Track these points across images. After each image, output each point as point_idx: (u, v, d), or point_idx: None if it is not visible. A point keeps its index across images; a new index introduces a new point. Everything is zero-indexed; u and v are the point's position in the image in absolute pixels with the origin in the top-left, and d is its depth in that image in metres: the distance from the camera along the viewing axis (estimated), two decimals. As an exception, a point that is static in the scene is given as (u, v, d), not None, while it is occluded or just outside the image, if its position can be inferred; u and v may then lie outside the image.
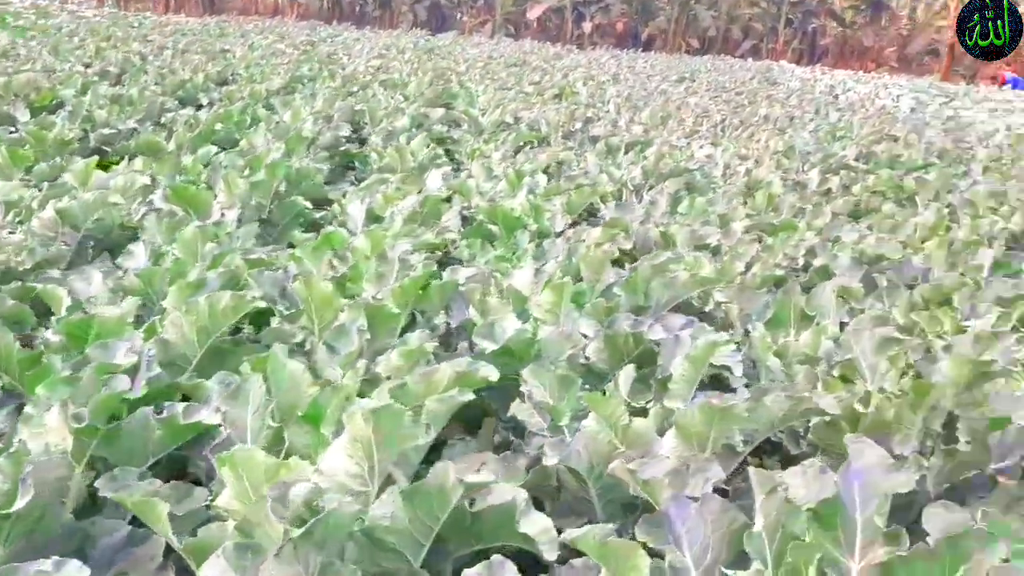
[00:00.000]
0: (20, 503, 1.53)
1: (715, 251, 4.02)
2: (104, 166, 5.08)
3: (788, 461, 2.55)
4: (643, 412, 2.24)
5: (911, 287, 3.89)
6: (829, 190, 5.98)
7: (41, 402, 1.92)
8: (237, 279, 2.76)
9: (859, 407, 2.29)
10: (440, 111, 7.94)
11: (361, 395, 2.15)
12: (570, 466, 1.95)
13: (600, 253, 2.97)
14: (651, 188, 5.48)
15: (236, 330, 2.88)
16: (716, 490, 2.10)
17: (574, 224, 4.70)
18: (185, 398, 2.31)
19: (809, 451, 2.48)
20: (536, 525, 1.67)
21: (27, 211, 3.64)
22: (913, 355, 3.13)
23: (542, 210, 4.34)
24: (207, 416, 1.90)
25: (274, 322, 2.67)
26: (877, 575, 1.54)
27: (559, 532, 2.11)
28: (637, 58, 24.58)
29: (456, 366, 2.02)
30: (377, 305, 2.51)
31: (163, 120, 6.60)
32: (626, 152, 6.76)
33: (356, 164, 6.06)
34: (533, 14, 37.60)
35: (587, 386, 2.31)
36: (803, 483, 1.81)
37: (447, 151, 6.86)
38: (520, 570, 1.89)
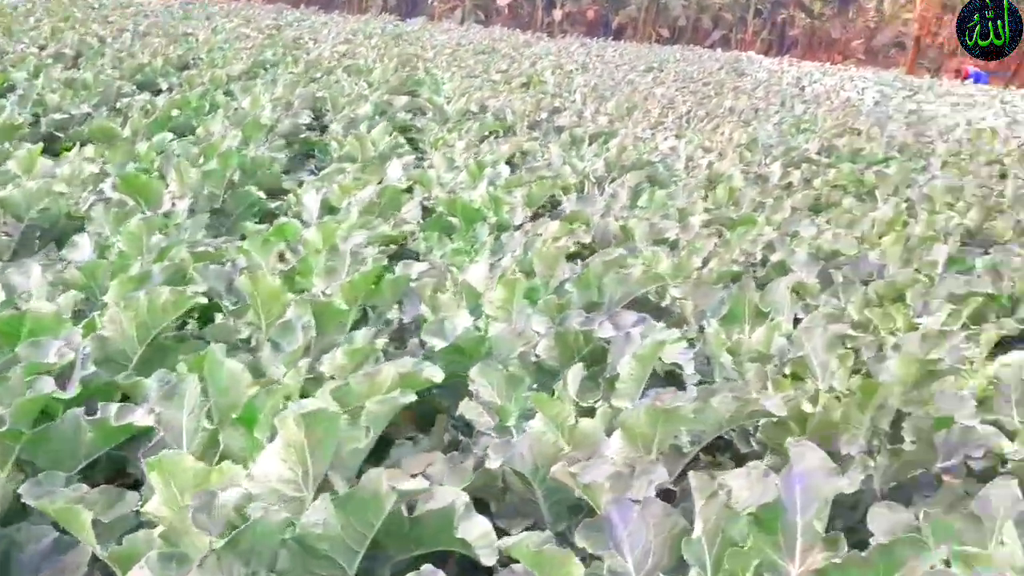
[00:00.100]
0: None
1: (673, 245, 4.01)
2: (58, 152, 4.96)
3: (739, 459, 2.56)
4: (592, 412, 2.22)
5: (866, 283, 3.92)
6: (790, 184, 6.01)
7: (-33, 404, 1.85)
8: (182, 273, 2.69)
9: (808, 407, 2.28)
10: (404, 99, 7.86)
11: (305, 395, 2.11)
12: (514, 468, 1.92)
13: (554, 248, 2.95)
14: (613, 180, 5.46)
15: (183, 325, 2.82)
16: (663, 491, 2.10)
17: (536, 216, 4.68)
18: (125, 397, 2.26)
19: (760, 450, 2.48)
20: (475, 530, 1.64)
21: (-32, 200, 3.53)
22: (868, 352, 3.16)
23: (502, 202, 4.31)
24: (140, 418, 1.84)
25: (219, 318, 2.60)
26: (814, 581, 1.53)
27: (506, 534, 2.11)
28: (607, 47, 24.56)
29: (400, 367, 1.98)
30: (324, 301, 2.46)
31: (119, 105, 6.44)
32: (590, 143, 6.73)
33: (316, 153, 5.97)
34: (503, 0, 37.39)
35: (535, 385, 2.29)
36: (747, 485, 1.80)
37: (411, 140, 6.79)
38: (466, 572, 1.88)
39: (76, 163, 3.97)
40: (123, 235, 2.92)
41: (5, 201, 3.29)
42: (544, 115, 8.21)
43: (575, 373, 2.19)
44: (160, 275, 2.63)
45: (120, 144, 4.60)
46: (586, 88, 11.15)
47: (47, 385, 1.84)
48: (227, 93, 7.24)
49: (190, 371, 1.96)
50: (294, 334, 2.35)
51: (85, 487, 1.68)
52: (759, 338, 2.90)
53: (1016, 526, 1.88)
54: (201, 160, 4.34)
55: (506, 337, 2.46)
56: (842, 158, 7.34)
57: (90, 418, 1.85)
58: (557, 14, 37.92)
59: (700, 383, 2.77)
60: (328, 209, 3.99)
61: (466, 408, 2.25)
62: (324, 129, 6.74)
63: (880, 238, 4.68)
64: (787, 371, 2.72)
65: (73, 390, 2.02)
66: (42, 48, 9.02)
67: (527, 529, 2.10)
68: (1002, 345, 3.51)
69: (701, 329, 3.11)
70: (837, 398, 2.44)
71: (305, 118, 6.37)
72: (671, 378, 2.70)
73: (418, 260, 3.59)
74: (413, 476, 2.18)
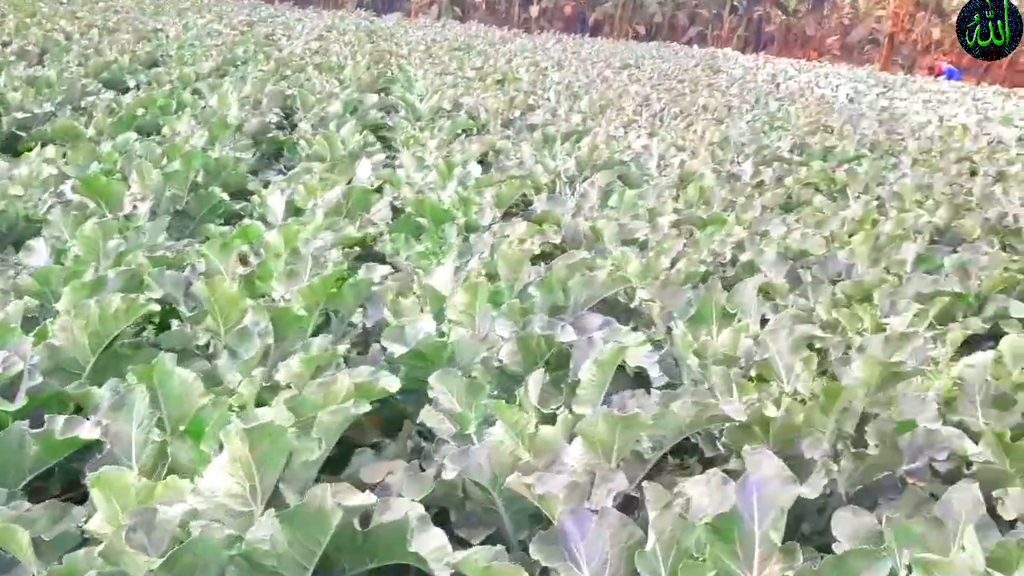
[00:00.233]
0: None
1: (643, 246, 3.99)
2: (20, 153, 4.86)
3: (706, 463, 2.55)
4: (555, 418, 2.19)
5: (835, 282, 3.92)
6: (762, 182, 6.01)
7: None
8: (138, 279, 2.63)
9: (771, 410, 2.27)
10: (374, 97, 7.78)
11: (262, 403, 2.07)
12: (472, 478, 1.89)
13: (518, 251, 2.91)
14: (585, 180, 5.44)
15: (140, 332, 2.77)
16: (625, 498, 2.08)
17: (509, 215, 4.64)
18: (80, 408, 2.20)
19: (726, 453, 2.47)
20: (430, 543, 1.61)
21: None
22: (836, 353, 3.15)
23: (471, 203, 4.27)
24: (87, 431, 1.79)
25: (176, 324, 2.55)
26: (770, 592, 1.51)
27: (467, 544, 2.08)
28: (583, 44, 24.55)
29: (356, 376, 1.95)
30: (282, 307, 2.42)
31: (84, 104, 6.32)
32: (563, 142, 6.71)
33: (285, 152, 5.89)
34: (480, -4, 37.31)
35: (497, 392, 2.26)
36: (707, 492, 1.78)
37: (382, 138, 6.72)
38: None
39: (35, 164, 3.88)
40: (78, 239, 2.85)
41: (-42, 204, 3.20)
42: (518, 113, 8.17)
43: (536, 379, 2.16)
44: (116, 281, 2.58)
45: (82, 144, 4.50)
46: (560, 85, 11.12)
47: (-16, 397, 1.78)
48: (195, 91, 7.14)
49: (140, 381, 1.91)
50: (251, 341, 2.30)
51: (27, 504, 1.63)
52: (725, 340, 2.89)
53: (977, 530, 1.88)
54: (164, 161, 4.26)
55: (468, 342, 2.43)
56: (813, 156, 7.36)
57: (34, 431, 1.80)
58: (534, 10, 37.88)
59: (668, 385, 2.76)
60: (294, 211, 3.94)
61: (427, 415, 2.21)
62: (294, 128, 6.66)
63: (850, 237, 4.69)
64: (753, 373, 2.71)
65: (20, 401, 1.97)
66: (5, 45, 8.85)
67: (489, 538, 2.08)
68: (970, 344, 3.53)
69: (669, 331, 3.09)
70: (802, 401, 2.43)
71: (274, 117, 6.29)
72: (640, 379, 2.68)
73: (385, 262, 3.55)
74: (373, 485, 2.16)
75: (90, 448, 1.97)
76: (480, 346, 2.45)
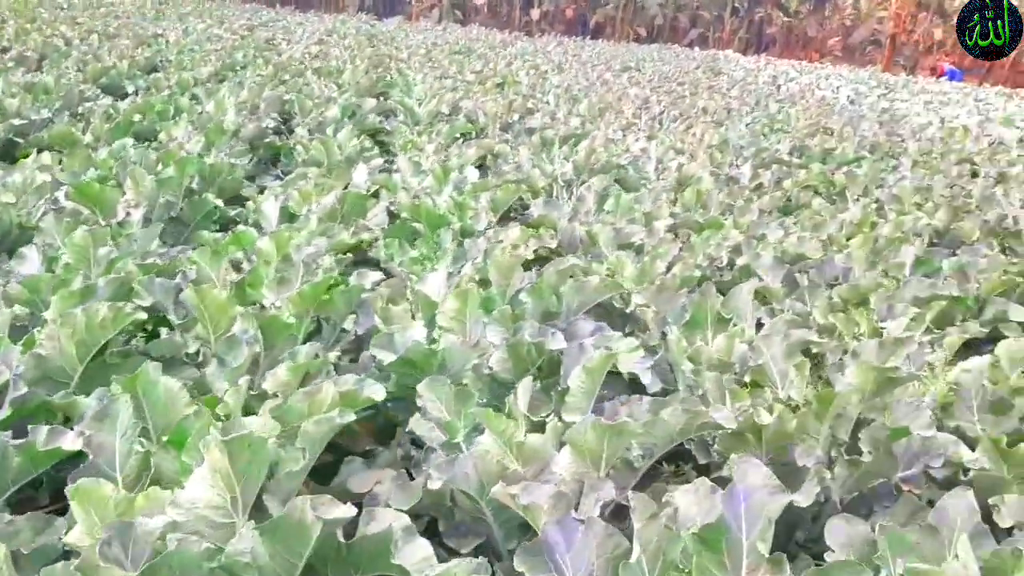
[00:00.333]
0: None
1: (639, 250, 3.97)
2: (16, 159, 4.85)
3: (701, 470, 2.53)
4: (544, 426, 2.17)
5: (832, 286, 3.89)
6: (760, 185, 5.99)
7: None
8: (128, 287, 2.62)
9: (763, 417, 2.24)
10: (372, 101, 7.76)
11: (250, 412, 2.05)
12: (459, 488, 1.87)
13: (510, 257, 2.89)
14: (583, 183, 5.42)
15: (130, 341, 2.75)
16: (616, 506, 2.05)
17: (505, 221, 4.62)
18: (68, 418, 2.19)
19: (720, 460, 2.44)
20: (415, 555, 1.59)
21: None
22: (832, 358, 3.13)
23: (466, 207, 4.25)
24: (70, 442, 1.78)
25: (166, 333, 2.53)
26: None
27: (456, 553, 2.06)
28: (583, 46, 24.53)
29: (342, 384, 1.93)
30: (270, 314, 2.40)
31: (81, 110, 6.32)
32: (561, 145, 6.69)
33: (282, 157, 5.88)
34: None
35: (485, 400, 2.24)
36: (695, 501, 1.76)
37: (381, 143, 6.71)
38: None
39: (29, 171, 3.87)
40: (68, 247, 2.84)
41: (-50, 212, 3.19)
42: (516, 117, 8.15)
43: (525, 387, 2.14)
44: (105, 289, 2.56)
45: (77, 151, 4.49)
46: (559, 89, 11.10)
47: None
48: (193, 97, 7.13)
49: (124, 390, 1.90)
50: (239, 349, 2.29)
51: (8, 516, 1.62)
52: (719, 346, 2.87)
53: (972, 538, 1.86)
54: (159, 167, 4.25)
55: (459, 349, 2.41)
56: (813, 158, 7.33)
57: (16, 442, 1.78)
58: (535, 13, 37.87)
59: (663, 391, 2.74)
60: (288, 217, 3.92)
61: (416, 424, 2.20)
62: (292, 133, 6.65)
63: (848, 240, 4.66)
64: (747, 379, 2.69)
65: (3, 412, 1.95)
66: (4, 51, 8.86)
67: (478, 548, 2.06)
68: (970, 348, 3.50)
69: (664, 336, 3.07)
70: (794, 408, 2.41)
71: (271, 122, 6.27)
72: (637, 385, 2.65)
73: (379, 268, 3.54)
74: (362, 494, 2.14)
75: (78, 458, 1.96)
76: (471, 353, 2.43)
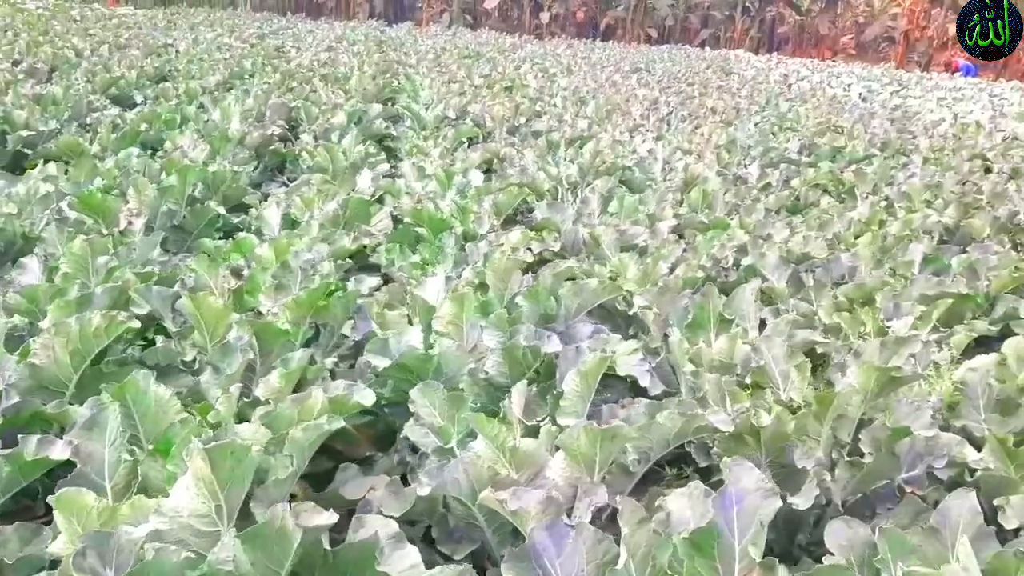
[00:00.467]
0: None
1: (642, 252, 3.94)
2: (24, 170, 4.89)
3: (702, 473, 2.49)
4: (539, 430, 2.15)
5: (838, 285, 3.84)
6: (768, 184, 5.94)
7: None
8: (125, 296, 2.62)
9: (761, 418, 2.21)
10: (379, 107, 7.77)
11: (244, 419, 2.04)
12: (450, 494, 1.86)
13: (507, 260, 2.87)
14: (588, 186, 5.40)
15: (127, 349, 2.75)
16: (613, 512, 2.03)
17: (510, 224, 4.60)
18: (63, 427, 2.18)
19: (720, 463, 2.41)
20: (403, 562, 1.58)
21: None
22: (838, 357, 3.08)
23: (469, 212, 4.23)
24: (58, 451, 1.77)
25: (160, 340, 2.53)
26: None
27: (450, 560, 2.04)
28: (594, 48, 24.50)
29: (332, 390, 1.92)
30: (265, 321, 2.39)
31: (89, 120, 6.36)
32: (568, 148, 6.66)
33: (288, 164, 5.89)
34: (490, 3, 37.34)
35: (478, 404, 2.22)
36: (688, 506, 1.74)
37: (387, 148, 6.72)
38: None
39: (33, 182, 3.89)
40: (67, 256, 2.85)
41: (-48, 223, 3.21)
42: (523, 120, 8.13)
43: (519, 391, 2.13)
44: (102, 298, 2.56)
45: (83, 161, 4.51)
46: (567, 91, 11.08)
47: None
48: (200, 106, 7.16)
49: (114, 399, 1.89)
50: (233, 356, 2.28)
51: (-5, 526, 1.61)
52: (721, 347, 2.84)
53: (975, 540, 1.82)
54: (162, 176, 4.27)
55: (454, 354, 2.40)
56: (822, 156, 7.27)
57: (5, 452, 1.78)
58: (545, 17, 37.86)
59: (665, 394, 2.71)
60: (290, 223, 3.92)
61: (410, 430, 2.18)
62: (298, 139, 6.67)
63: (856, 238, 4.61)
64: (748, 381, 2.66)
65: (-5, 422, 1.95)
66: (16, 63, 8.94)
67: (472, 554, 2.04)
68: (982, 346, 3.44)
69: (666, 337, 3.05)
70: (795, 410, 2.37)
71: (277, 129, 6.29)
72: (640, 388, 2.62)
73: (379, 273, 3.53)
74: (355, 501, 2.13)
75: (72, 467, 1.96)
76: (466, 358, 2.41)
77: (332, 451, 2.48)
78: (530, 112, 8.62)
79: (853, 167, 6.57)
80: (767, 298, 3.76)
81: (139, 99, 7.80)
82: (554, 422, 2.10)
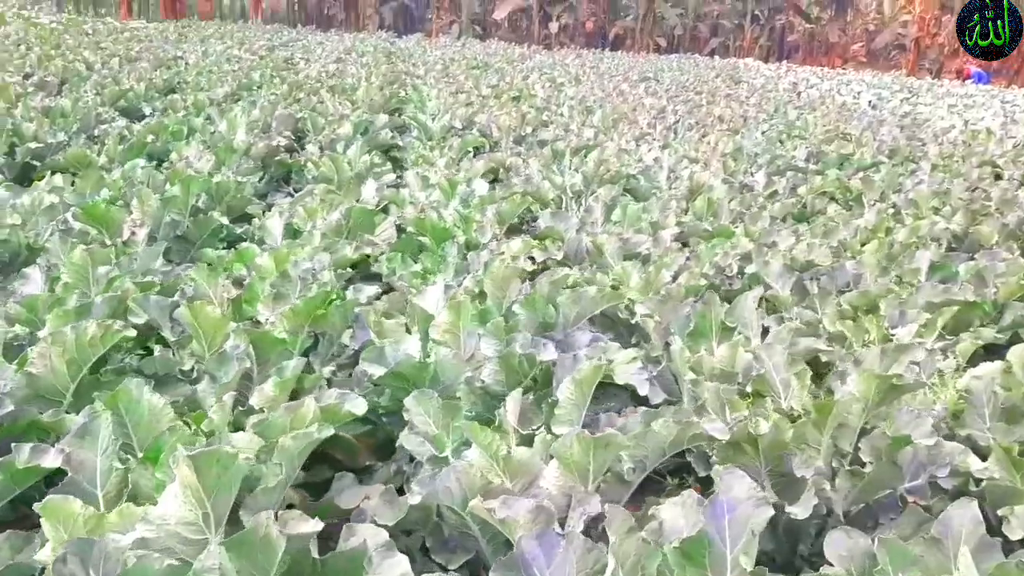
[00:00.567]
0: None
1: (645, 260, 3.92)
2: (32, 182, 4.91)
3: (703, 483, 2.47)
4: (533, 439, 2.14)
5: (843, 293, 3.82)
6: (775, 192, 5.91)
7: None
8: (124, 305, 2.63)
9: (760, 427, 2.19)
10: (385, 117, 7.78)
11: (239, 428, 2.04)
12: (442, 503, 1.84)
13: (506, 269, 2.87)
14: (592, 194, 5.39)
15: (126, 358, 2.76)
16: (608, 520, 2.01)
17: (513, 233, 4.60)
18: (59, 436, 2.18)
19: (721, 471, 2.39)
20: (391, 571, 1.57)
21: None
22: (841, 365, 3.05)
23: (472, 221, 4.23)
24: (51, 459, 1.77)
25: (159, 350, 2.54)
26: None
27: (444, 569, 2.03)
28: (602, 58, 24.53)
29: (324, 399, 1.91)
30: (262, 330, 2.39)
31: (97, 132, 6.40)
32: (572, 157, 6.66)
33: (294, 175, 5.91)
34: (499, 15, 37.48)
35: (473, 412, 2.21)
36: (681, 514, 1.72)
37: (394, 159, 6.73)
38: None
39: (38, 194, 3.91)
40: (67, 266, 2.86)
41: (-44, 234, 3.23)
42: (530, 130, 8.14)
43: (514, 399, 2.11)
44: (101, 308, 2.57)
45: (89, 173, 4.54)
46: (573, 100, 11.08)
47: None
48: (207, 117, 7.20)
49: (107, 407, 1.89)
50: (229, 365, 2.28)
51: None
52: (723, 355, 2.81)
53: (978, 551, 1.80)
54: (167, 186, 4.29)
55: (451, 363, 2.39)
56: (829, 164, 7.23)
57: (-3, 461, 1.78)
58: (554, 27, 37.95)
59: (667, 402, 2.69)
60: (293, 233, 3.93)
61: (405, 438, 2.17)
62: (304, 150, 6.68)
63: (863, 246, 4.58)
64: (749, 389, 2.63)
65: (-10, 431, 1.95)
66: (27, 76, 9.01)
67: (467, 564, 2.03)
68: (992, 354, 3.39)
69: (667, 346, 3.03)
70: (795, 418, 2.35)
71: (283, 140, 6.31)
72: (638, 396, 2.61)
73: (380, 282, 3.53)
74: (350, 510, 2.12)
75: (64, 475, 1.96)
76: (463, 366, 2.40)
77: (332, 460, 2.47)
78: (536, 121, 8.63)
79: (860, 174, 6.53)
80: (771, 306, 3.74)
81: (148, 111, 7.85)
82: (549, 430, 2.09)
